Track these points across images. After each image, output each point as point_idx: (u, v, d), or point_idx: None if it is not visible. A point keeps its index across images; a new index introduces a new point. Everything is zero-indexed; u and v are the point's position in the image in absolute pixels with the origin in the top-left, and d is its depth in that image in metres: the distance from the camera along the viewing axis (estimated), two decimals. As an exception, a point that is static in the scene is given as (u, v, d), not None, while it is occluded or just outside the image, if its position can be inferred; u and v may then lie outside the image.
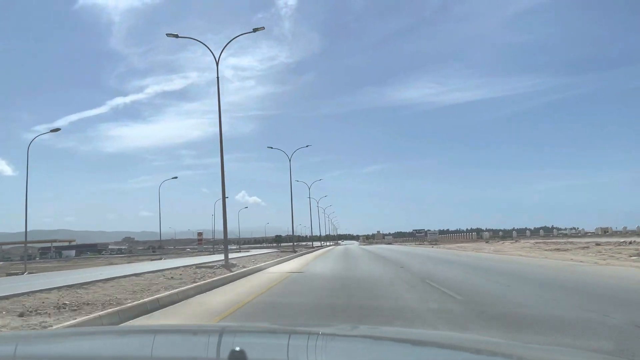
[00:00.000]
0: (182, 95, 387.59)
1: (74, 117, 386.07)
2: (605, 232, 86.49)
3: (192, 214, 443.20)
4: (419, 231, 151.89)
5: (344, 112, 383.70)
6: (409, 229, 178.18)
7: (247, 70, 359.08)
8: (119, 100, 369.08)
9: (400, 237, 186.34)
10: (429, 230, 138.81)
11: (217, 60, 24.12)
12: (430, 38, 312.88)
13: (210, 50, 24.47)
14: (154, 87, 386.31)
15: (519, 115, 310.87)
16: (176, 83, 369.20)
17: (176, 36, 25.20)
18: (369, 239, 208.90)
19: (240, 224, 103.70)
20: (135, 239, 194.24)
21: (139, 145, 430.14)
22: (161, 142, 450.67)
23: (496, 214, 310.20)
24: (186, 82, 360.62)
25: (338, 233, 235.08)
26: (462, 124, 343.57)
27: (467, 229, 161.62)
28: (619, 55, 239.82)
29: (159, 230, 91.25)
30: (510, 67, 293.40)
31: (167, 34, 24.87)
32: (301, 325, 4.69)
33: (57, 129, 41.36)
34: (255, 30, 25.16)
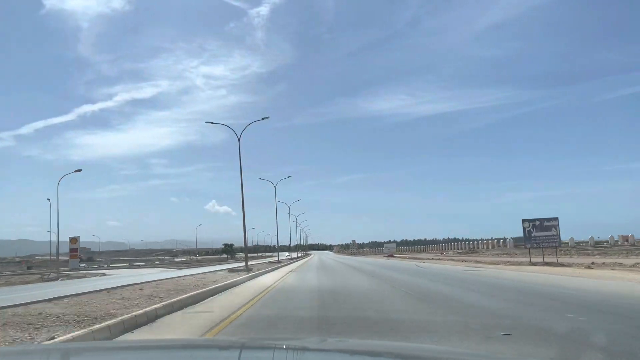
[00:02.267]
0: (152, 103, 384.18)
1: (39, 124, 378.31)
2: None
3: (161, 224, 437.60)
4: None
5: (316, 123, 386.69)
6: (384, 239, 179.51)
7: (218, 79, 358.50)
8: (87, 108, 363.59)
9: (377, 246, 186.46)
10: (388, 241, 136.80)
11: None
12: (401, 50, 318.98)
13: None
14: (123, 95, 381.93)
15: (488, 128, 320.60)
16: (146, 91, 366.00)
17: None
18: (343, 248, 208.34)
19: (212, 235, 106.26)
20: (90, 249, 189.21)
21: (107, 154, 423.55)
22: (130, 150, 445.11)
23: (470, 224, 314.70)
24: (156, 90, 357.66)
25: (312, 242, 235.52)
26: (433, 136, 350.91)
27: (442, 239, 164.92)
28: (583, 71, 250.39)
29: (126, 240, 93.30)
30: (479, 80, 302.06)
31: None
32: (269, 339, 4.65)
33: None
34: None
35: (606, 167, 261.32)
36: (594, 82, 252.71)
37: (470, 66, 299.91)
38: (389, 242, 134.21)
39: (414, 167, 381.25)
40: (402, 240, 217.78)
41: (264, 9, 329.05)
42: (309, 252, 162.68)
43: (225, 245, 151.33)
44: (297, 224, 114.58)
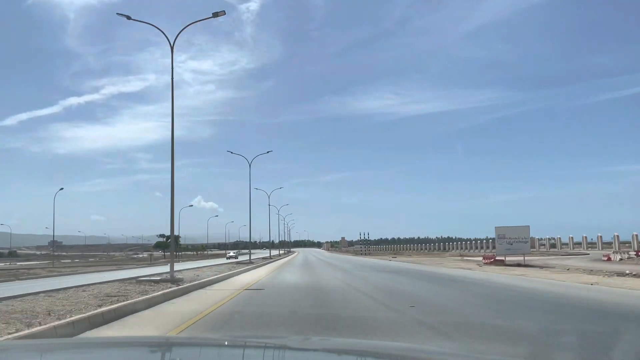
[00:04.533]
0: (139, 97, 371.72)
1: (23, 116, 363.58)
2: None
3: (145, 219, 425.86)
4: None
5: (305, 120, 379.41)
6: (374, 237, 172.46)
7: (206, 74, 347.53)
8: (73, 101, 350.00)
9: (365, 244, 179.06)
10: (363, 239, 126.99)
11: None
12: (390, 49, 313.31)
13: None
14: (109, 88, 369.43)
15: (476, 128, 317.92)
16: (133, 85, 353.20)
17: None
18: (334, 246, 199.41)
19: (198, 231, 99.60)
20: (63, 243, 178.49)
21: (93, 147, 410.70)
22: (116, 144, 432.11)
23: (459, 223, 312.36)
24: (144, 84, 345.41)
25: (298, 239, 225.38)
26: (421, 135, 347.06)
27: (424, 238, 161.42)
28: (571, 74, 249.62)
29: (109, 235, 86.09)
30: (467, 81, 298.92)
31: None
32: (252, 337, 4.67)
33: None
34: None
35: (591, 170, 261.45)
36: (581, 85, 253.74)
37: (459, 67, 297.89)
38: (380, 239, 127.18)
39: (403, 166, 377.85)
40: (392, 238, 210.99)
41: (253, 5, 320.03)
42: (292, 250, 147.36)
43: (163, 237, 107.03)
44: (281, 217, 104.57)
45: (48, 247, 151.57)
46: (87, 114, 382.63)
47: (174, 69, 20.69)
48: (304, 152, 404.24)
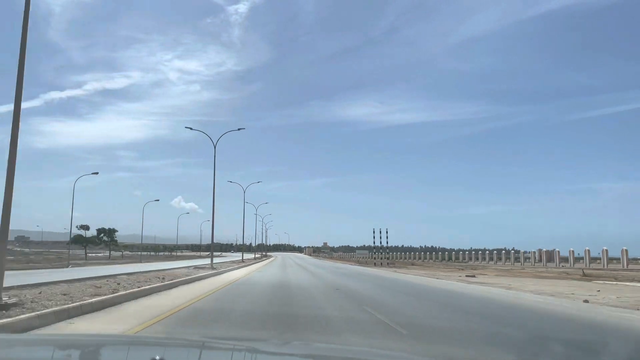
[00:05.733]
0: (123, 94, 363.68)
1: (3, 108, 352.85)
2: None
3: (125, 218, 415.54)
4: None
5: (290, 124, 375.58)
6: (356, 244, 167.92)
7: (192, 74, 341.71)
8: (55, 95, 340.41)
9: (348, 251, 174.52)
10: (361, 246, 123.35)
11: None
12: (377, 58, 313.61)
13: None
14: (93, 83, 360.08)
15: (458, 140, 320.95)
16: (117, 82, 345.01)
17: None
18: (322, 251, 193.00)
19: (178, 231, 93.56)
20: (30, 239, 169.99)
21: (74, 143, 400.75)
22: (98, 141, 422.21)
23: (442, 232, 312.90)
24: (128, 81, 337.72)
25: (279, 242, 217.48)
26: (404, 145, 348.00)
27: (407, 247, 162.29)
28: (551, 90, 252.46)
29: (83, 232, 79.86)
30: (452, 93, 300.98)
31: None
32: (229, 339, 4.76)
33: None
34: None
35: (568, 186, 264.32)
36: (563, 102, 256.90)
37: (444, 78, 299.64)
38: (369, 247, 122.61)
39: (385, 174, 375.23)
40: (375, 245, 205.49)
41: (242, 7, 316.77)
42: (269, 254, 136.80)
43: (84, 229, 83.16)
44: (259, 217, 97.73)
45: (14, 243, 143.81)
46: (68, 109, 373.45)
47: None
48: (288, 156, 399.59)
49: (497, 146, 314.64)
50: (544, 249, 59.19)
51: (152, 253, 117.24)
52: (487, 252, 74.29)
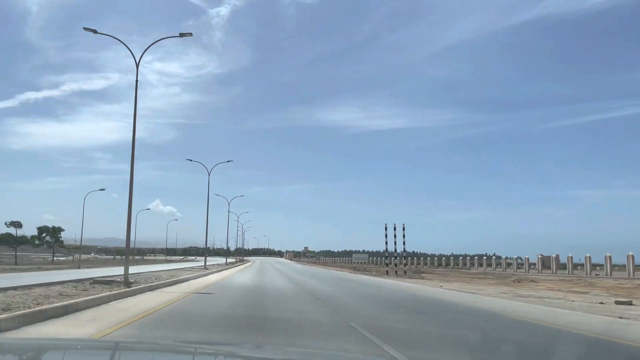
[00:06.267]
0: (101, 96, 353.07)
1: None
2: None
3: (101, 221, 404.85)
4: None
5: (271, 128, 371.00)
6: (338, 248, 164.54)
7: (172, 76, 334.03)
8: (31, 95, 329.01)
9: (329, 255, 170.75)
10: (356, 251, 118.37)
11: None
12: (359, 64, 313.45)
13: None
14: (70, 84, 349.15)
15: (437, 146, 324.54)
16: (95, 83, 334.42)
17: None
18: (305, 255, 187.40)
19: (155, 234, 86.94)
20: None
21: (49, 145, 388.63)
22: (74, 143, 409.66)
23: (422, 238, 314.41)
24: (106, 82, 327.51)
25: (258, 247, 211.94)
26: (385, 151, 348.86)
27: (391, 252, 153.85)
28: (526, 99, 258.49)
29: (75, 236, 71.69)
30: (431, 99, 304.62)
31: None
32: (198, 343, 4.71)
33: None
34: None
35: (543, 194, 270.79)
36: (539, 110, 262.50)
37: (424, 85, 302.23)
38: (357, 252, 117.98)
39: (365, 180, 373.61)
40: (357, 250, 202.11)
41: (224, 10, 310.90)
42: (247, 259, 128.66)
43: (15, 226, 67.30)
44: (239, 222, 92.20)
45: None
46: (44, 110, 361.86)
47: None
48: (268, 160, 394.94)
49: (476, 153, 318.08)
50: (540, 254, 55.76)
51: (117, 257, 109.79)
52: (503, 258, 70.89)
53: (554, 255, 52.70)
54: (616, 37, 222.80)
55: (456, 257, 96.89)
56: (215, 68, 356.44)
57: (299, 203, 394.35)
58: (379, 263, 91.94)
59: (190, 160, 52.90)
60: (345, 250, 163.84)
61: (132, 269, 30.70)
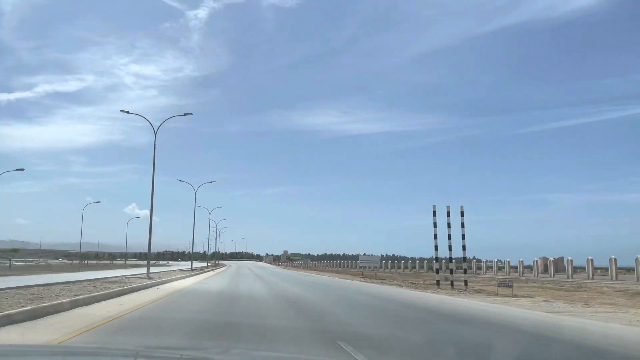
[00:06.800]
0: (76, 98, 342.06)
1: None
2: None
3: (75, 225, 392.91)
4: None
5: (249, 132, 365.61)
6: (318, 252, 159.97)
7: (149, 79, 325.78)
8: (2, 97, 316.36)
9: (321, 259, 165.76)
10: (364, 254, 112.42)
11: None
12: (337, 68, 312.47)
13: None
14: (44, 86, 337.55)
15: (415, 150, 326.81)
16: (70, 84, 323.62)
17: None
18: (276, 260, 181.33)
19: (130, 239, 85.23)
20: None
21: (22, 147, 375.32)
22: (48, 145, 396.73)
23: (401, 242, 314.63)
24: (82, 84, 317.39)
25: (236, 250, 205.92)
26: (364, 155, 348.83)
27: (384, 255, 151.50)
28: (506, 104, 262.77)
29: (34, 240, 67.68)
30: (409, 104, 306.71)
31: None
32: (164, 348, 4.97)
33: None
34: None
35: (524, 196, 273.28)
36: (515, 115, 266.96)
37: (402, 90, 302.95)
38: (366, 255, 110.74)
39: (345, 183, 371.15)
40: (336, 254, 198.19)
41: (202, 12, 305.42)
42: (222, 263, 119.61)
43: None
44: (214, 224, 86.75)
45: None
46: (17, 112, 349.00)
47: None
48: (246, 164, 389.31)
49: (455, 157, 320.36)
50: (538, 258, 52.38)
51: (75, 261, 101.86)
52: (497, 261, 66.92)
53: (551, 259, 48.91)
54: (589, 44, 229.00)
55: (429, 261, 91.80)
56: (192, 71, 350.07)
57: (277, 207, 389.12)
58: (387, 267, 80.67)
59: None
60: (325, 253, 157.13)
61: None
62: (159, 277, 29.20)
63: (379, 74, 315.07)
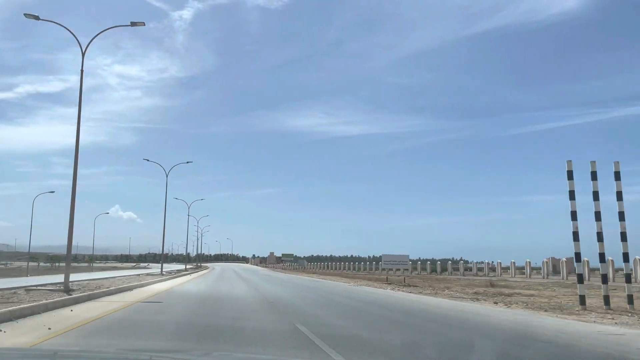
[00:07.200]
0: (58, 98, 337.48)
1: None
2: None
3: (58, 227, 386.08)
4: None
5: (234, 133, 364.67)
6: (303, 254, 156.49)
7: (133, 79, 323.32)
8: None
9: (317, 260, 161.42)
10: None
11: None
12: (323, 70, 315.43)
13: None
14: (26, 86, 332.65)
15: (400, 153, 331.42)
16: (53, 85, 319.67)
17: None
18: (262, 261, 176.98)
19: (114, 241, 79.67)
20: None
21: (3, 149, 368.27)
22: (30, 147, 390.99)
23: (384, 243, 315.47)
24: (64, 85, 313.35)
25: (221, 252, 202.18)
26: (350, 156, 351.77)
27: (356, 257, 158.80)
28: (489, 106, 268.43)
29: (14, 242, 64.78)
30: (394, 106, 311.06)
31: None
32: (141, 350, 4.90)
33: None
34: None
35: (507, 198, 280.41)
36: (499, 118, 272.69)
37: (387, 92, 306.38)
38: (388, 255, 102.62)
39: (331, 184, 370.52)
40: (326, 255, 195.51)
41: (186, 13, 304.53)
42: (206, 265, 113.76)
43: None
44: (194, 226, 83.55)
45: None
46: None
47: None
48: (232, 165, 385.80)
49: (438, 159, 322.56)
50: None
51: (57, 264, 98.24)
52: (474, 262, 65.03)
53: (546, 259, 46.96)
54: (572, 48, 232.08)
55: (423, 262, 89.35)
56: (177, 72, 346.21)
57: (263, 208, 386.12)
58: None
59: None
60: (312, 255, 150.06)
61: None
62: (88, 290, 17.57)
63: (365, 76, 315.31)
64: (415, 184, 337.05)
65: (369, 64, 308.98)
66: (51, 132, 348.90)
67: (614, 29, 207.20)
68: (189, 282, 30.57)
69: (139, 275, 37.34)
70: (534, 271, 49.95)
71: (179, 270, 55.42)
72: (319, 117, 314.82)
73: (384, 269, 41.71)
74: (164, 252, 53.98)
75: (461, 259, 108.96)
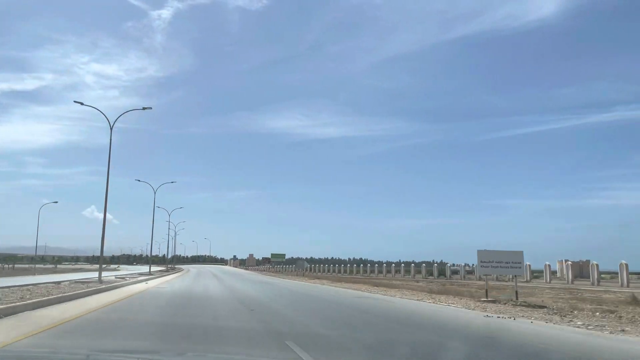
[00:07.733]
0: (33, 97, 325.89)
1: None
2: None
3: (31, 228, 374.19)
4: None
5: (213, 134, 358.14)
6: (287, 256, 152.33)
7: (111, 79, 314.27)
8: None
9: (314, 262, 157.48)
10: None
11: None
12: (302, 72, 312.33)
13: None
14: (0, 84, 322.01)
15: (379, 155, 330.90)
16: (27, 83, 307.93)
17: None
18: (242, 263, 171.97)
19: (89, 242, 73.99)
20: None
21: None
22: (3, 146, 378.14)
23: (366, 245, 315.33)
24: (39, 83, 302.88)
25: (198, 254, 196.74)
26: (329, 158, 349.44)
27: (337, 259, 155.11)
28: (467, 110, 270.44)
29: None
30: (373, 109, 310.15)
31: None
32: (120, 352, 4.62)
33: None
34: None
35: (485, 201, 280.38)
36: (477, 122, 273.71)
37: (366, 95, 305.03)
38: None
39: (308, 187, 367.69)
40: (307, 258, 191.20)
41: (165, 12, 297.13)
42: (181, 267, 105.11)
43: None
44: (172, 226, 78.28)
45: None
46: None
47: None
48: (210, 166, 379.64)
49: (417, 162, 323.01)
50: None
51: (17, 266, 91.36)
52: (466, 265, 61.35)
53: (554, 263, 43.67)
54: (549, 54, 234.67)
55: (397, 264, 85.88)
56: (156, 71, 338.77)
57: (242, 210, 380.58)
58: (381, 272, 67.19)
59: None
60: (292, 257, 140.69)
61: None
62: None
63: (344, 78, 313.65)
64: (394, 187, 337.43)
65: (349, 66, 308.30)
66: (26, 131, 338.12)
67: (589, 36, 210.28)
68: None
69: (59, 283, 25.72)
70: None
71: (140, 274, 46.02)
72: (298, 118, 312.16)
73: (484, 275, 30.10)
74: (140, 254, 49.77)
75: (441, 261, 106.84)
